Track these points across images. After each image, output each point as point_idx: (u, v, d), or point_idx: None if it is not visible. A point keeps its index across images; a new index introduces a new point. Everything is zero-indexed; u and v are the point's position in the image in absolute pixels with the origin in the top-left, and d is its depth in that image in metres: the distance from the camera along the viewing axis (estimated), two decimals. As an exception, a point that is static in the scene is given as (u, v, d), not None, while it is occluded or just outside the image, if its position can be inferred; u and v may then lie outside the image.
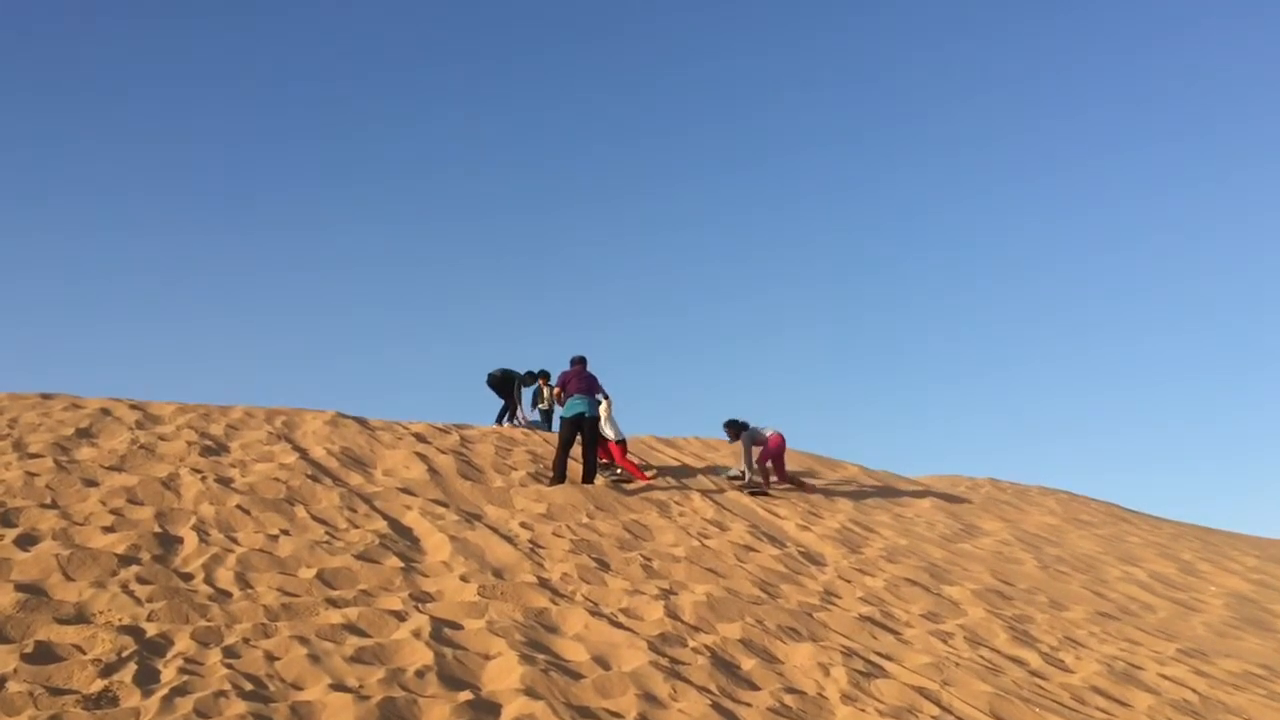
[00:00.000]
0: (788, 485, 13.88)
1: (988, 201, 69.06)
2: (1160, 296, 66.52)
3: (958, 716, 6.34)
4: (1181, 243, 66.94)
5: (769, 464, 13.54)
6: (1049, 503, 17.45)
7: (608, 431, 12.97)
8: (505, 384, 16.62)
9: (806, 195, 71.26)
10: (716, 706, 5.95)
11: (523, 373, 16.65)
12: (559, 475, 12.00)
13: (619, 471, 13.03)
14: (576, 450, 12.73)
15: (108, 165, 61.12)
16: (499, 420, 16.42)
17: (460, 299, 66.67)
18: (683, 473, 14.01)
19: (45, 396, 12.88)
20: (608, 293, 69.88)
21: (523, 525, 10.01)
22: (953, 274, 69.86)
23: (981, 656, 7.79)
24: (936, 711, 6.35)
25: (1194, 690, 7.56)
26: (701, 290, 69.96)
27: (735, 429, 13.72)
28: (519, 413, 16.42)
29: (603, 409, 13.06)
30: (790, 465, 16.16)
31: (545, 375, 16.66)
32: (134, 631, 6.19)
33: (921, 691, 6.67)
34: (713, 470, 14.39)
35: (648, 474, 13.15)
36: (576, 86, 72.37)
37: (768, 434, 13.58)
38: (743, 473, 13.82)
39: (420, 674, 5.96)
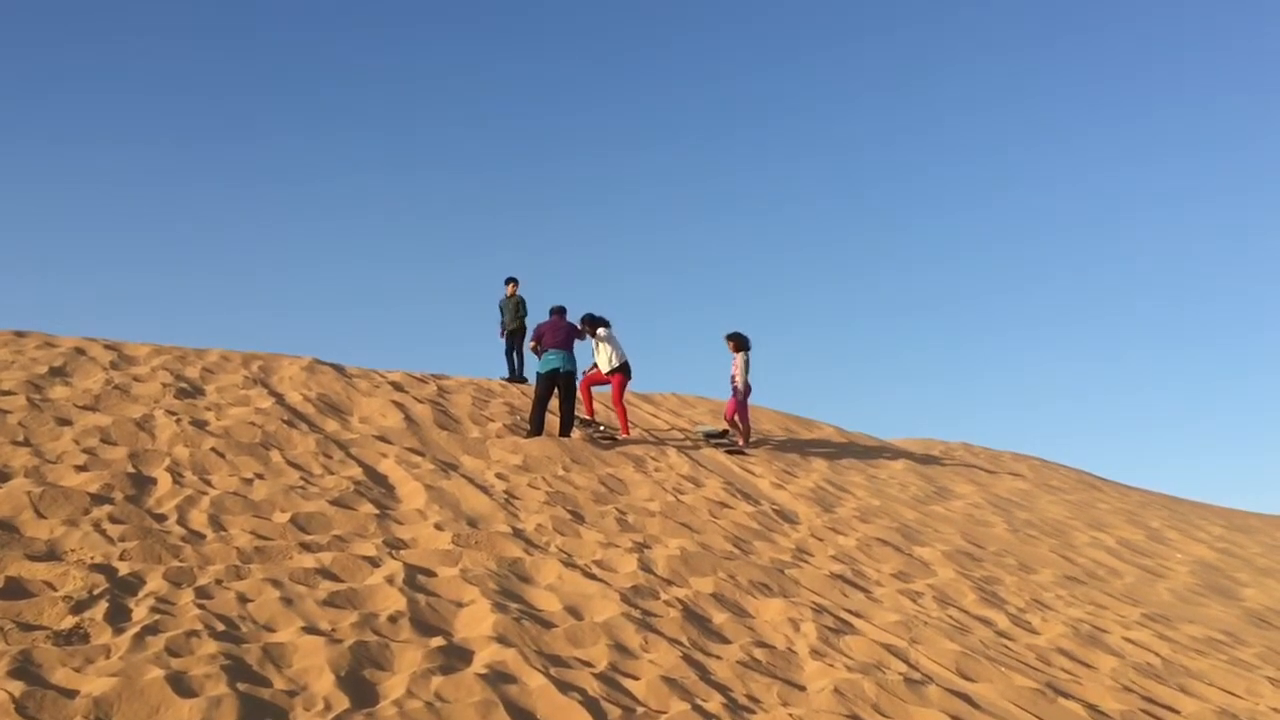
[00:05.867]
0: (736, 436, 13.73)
1: (967, 170, 69.05)
2: (1135, 268, 66.89)
3: (925, 673, 6.41)
4: (1157, 214, 67.28)
5: (737, 419, 13.53)
6: (1021, 468, 17.62)
7: (601, 362, 13.02)
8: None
9: (789, 159, 71.00)
10: (687, 658, 6.00)
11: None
12: (536, 428, 12.00)
13: (601, 428, 13.02)
14: (554, 404, 12.72)
15: (87, 109, 60.17)
16: (512, 376, 16.04)
17: (442, 257, 66.28)
18: (660, 429, 14.05)
19: (18, 334, 12.74)
20: (589, 251, 69.65)
21: (498, 476, 10.02)
22: (934, 243, 69.97)
23: (950, 616, 7.88)
24: (904, 668, 6.42)
25: (1157, 654, 7.67)
26: (681, 251, 69.80)
27: (741, 343, 13.63)
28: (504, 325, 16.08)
29: (601, 330, 13.11)
30: (767, 424, 16.24)
31: (514, 281, 16.19)
32: (106, 570, 6.16)
33: (889, 648, 6.74)
34: (691, 428, 14.43)
35: (631, 430, 13.12)
36: (571, 41, 71.65)
37: (749, 381, 13.55)
38: (723, 431, 13.85)
39: (393, 619, 5.98)
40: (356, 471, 9.31)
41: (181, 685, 4.76)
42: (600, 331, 13.11)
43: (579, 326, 12.89)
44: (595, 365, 13.26)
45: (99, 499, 7.43)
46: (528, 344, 13.10)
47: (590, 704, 5.14)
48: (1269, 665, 7.87)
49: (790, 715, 5.36)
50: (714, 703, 5.39)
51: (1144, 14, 66.36)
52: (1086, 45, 66.85)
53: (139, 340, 13.39)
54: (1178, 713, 6.45)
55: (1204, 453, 59.37)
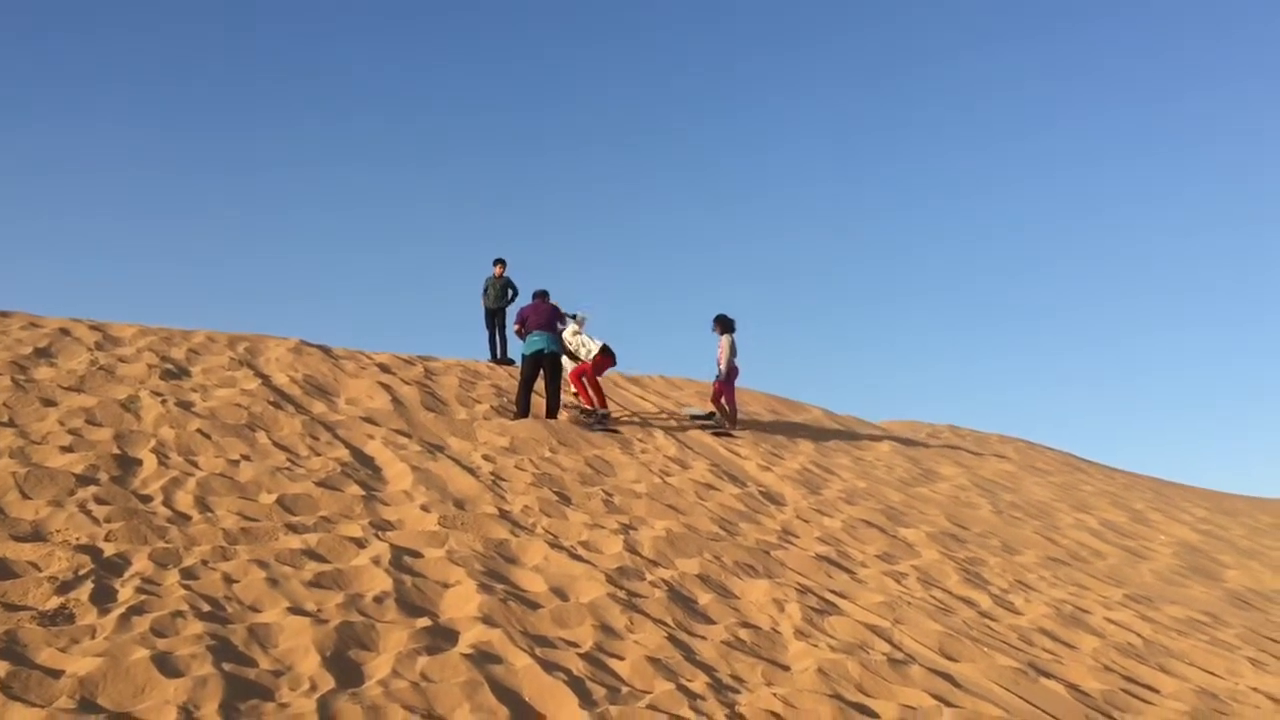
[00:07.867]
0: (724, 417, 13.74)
1: (956, 159, 69.11)
2: (1122, 253, 67.13)
3: (908, 653, 6.46)
4: (1146, 198, 67.48)
5: (723, 401, 13.57)
6: (1006, 450, 17.71)
7: (582, 353, 12.96)
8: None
9: (779, 146, 70.93)
10: (672, 639, 6.03)
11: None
12: (522, 410, 12.00)
13: (598, 412, 12.96)
14: (540, 385, 12.70)
15: (79, 95, 59.75)
16: (496, 357, 16.17)
17: (430, 240, 66.12)
18: (646, 411, 14.06)
19: (3, 314, 12.66)
20: (579, 236, 69.56)
21: (485, 458, 10.02)
22: (923, 228, 70.04)
23: (933, 597, 7.93)
24: (887, 648, 6.47)
25: (1138, 634, 7.74)
26: (669, 235, 69.75)
27: (726, 325, 13.65)
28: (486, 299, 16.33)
29: (569, 330, 13.05)
30: (754, 406, 16.27)
31: (501, 263, 16.41)
32: (91, 551, 6.15)
33: (873, 629, 6.79)
34: (678, 409, 14.45)
35: (604, 408, 12.99)
36: (564, 34, 71.35)
37: (736, 363, 13.61)
38: (711, 413, 13.87)
39: (379, 600, 5.99)
40: (343, 453, 9.30)
41: (167, 665, 4.77)
42: (573, 333, 13.14)
43: (562, 312, 12.92)
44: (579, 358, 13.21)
45: (84, 480, 7.41)
46: (511, 326, 13.14)
47: (575, 684, 5.17)
48: (1249, 646, 7.95)
49: (774, 695, 5.39)
50: (699, 683, 5.42)
51: (1140, 6, 66.38)
52: (1079, 40, 66.85)
53: (124, 321, 13.34)
54: (1158, 692, 6.52)
55: (1191, 436, 59.80)
